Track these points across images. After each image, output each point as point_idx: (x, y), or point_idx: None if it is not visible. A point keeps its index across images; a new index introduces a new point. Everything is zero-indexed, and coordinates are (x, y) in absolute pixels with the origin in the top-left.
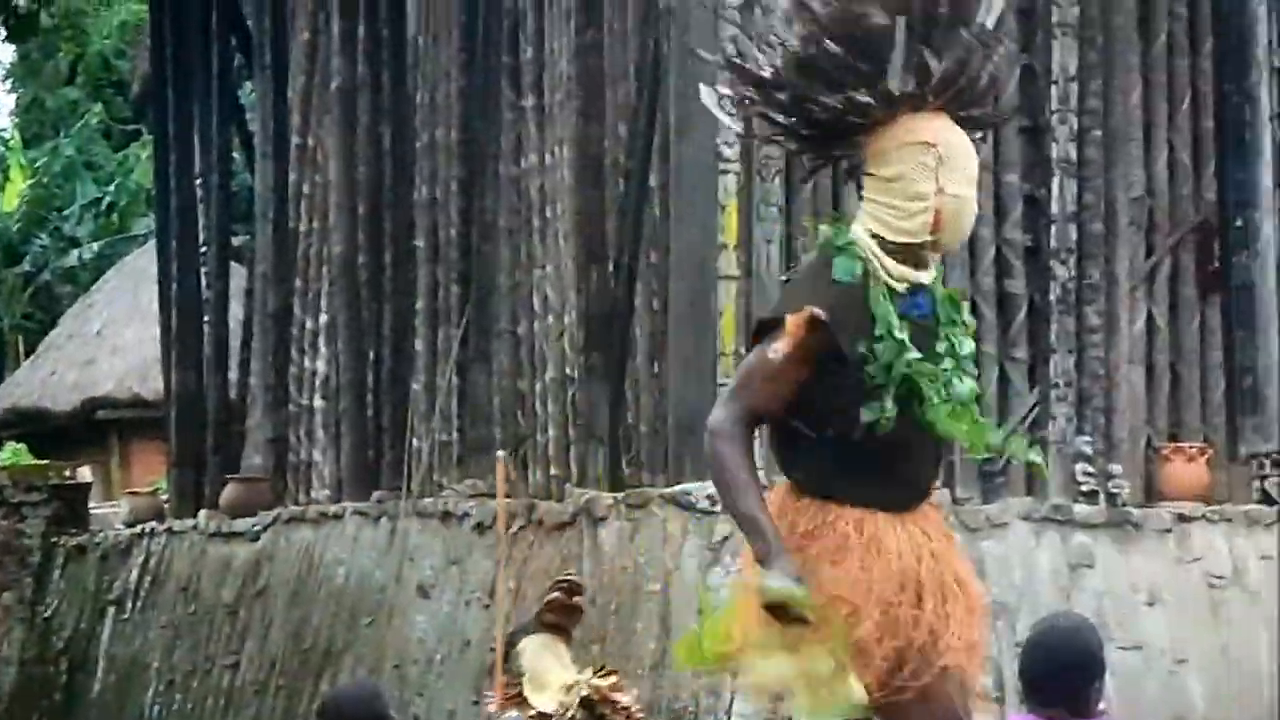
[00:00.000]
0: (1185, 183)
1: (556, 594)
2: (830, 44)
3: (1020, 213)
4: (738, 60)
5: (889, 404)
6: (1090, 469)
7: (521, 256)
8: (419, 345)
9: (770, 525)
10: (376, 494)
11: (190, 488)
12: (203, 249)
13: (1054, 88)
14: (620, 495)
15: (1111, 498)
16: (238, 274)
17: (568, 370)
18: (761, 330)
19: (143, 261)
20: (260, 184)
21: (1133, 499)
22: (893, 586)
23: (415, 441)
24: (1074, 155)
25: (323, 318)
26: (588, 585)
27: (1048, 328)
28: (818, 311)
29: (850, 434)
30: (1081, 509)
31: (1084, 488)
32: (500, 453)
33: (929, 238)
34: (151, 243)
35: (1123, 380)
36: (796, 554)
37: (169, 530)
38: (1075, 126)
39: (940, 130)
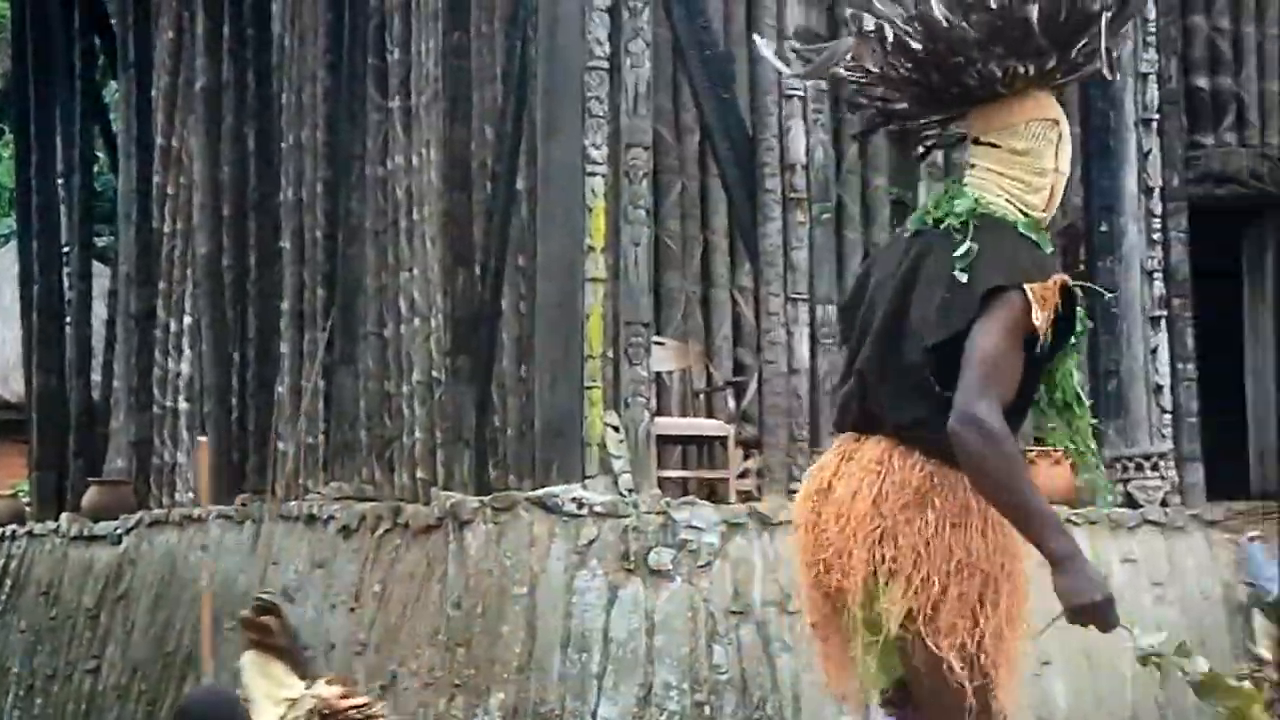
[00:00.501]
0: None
1: (245, 613)
2: (1031, 9)
3: (887, 216)
4: (898, 18)
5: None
6: None
7: (388, 259)
8: (284, 347)
9: (1062, 523)
10: (241, 497)
11: (52, 491)
12: (65, 250)
13: None
14: (486, 498)
15: None
16: (101, 275)
17: (434, 373)
18: (984, 300)
19: (4, 262)
20: (123, 184)
21: None
22: (1018, 558)
23: (280, 444)
24: (940, 159)
25: (187, 319)
26: (453, 589)
27: None
28: (1067, 278)
29: (1021, 399)
30: None
31: None
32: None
33: (1044, 214)
34: (13, 243)
35: None
36: (913, 512)
37: (30, 534)
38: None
39: (1058, 107)
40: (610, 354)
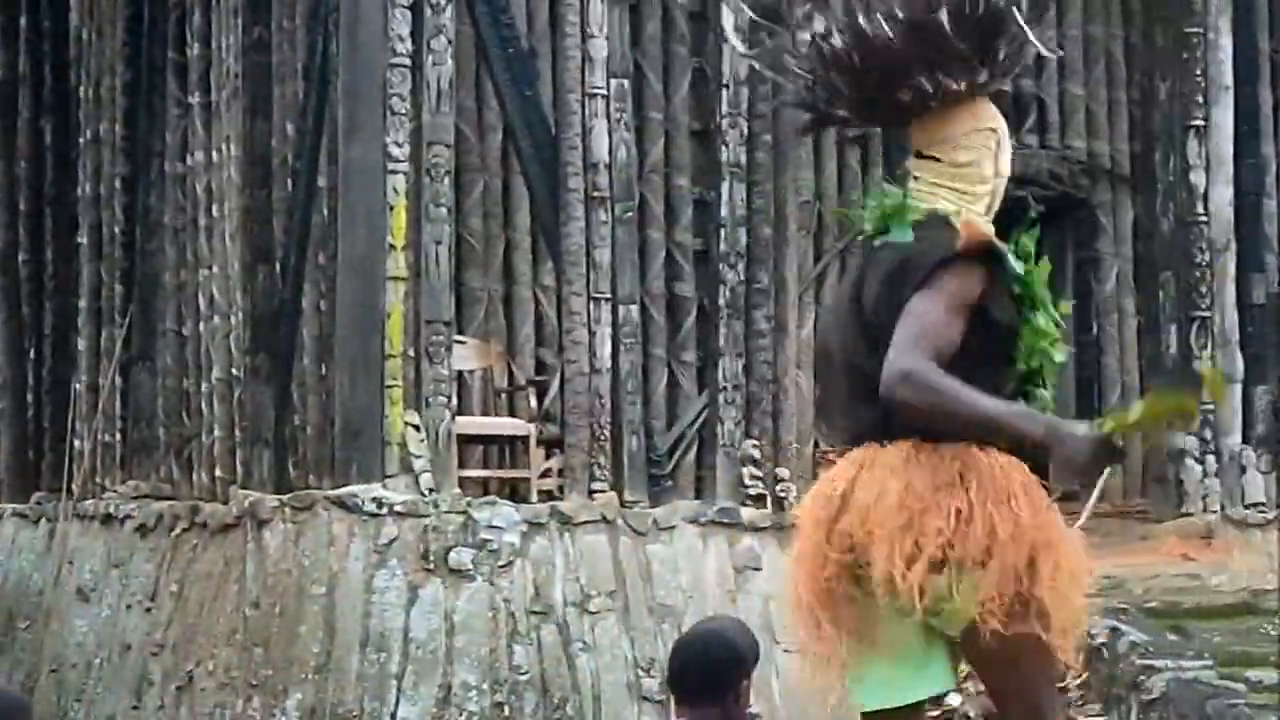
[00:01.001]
0: (854, 187)
1: None
2: (947, 21)
3: (690, 216)
4: (821, 31)
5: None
6: (758, 472)
7: (187, 256)
8: (81, 344)
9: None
10: (36, 495)
11: None
12: None
13: (724, 91)
14: (285, 498)
15: (779, 501)
16: None
17: (234, 371)
18: (926, 276)
19: None
20: None
21: (800, 502)
22: (1061, 532)
23: (77, 442)
24: (744, 159)
25: None
26: (251, 588)
27: (716, 331)
28: (998, 243)
29: (1001, 389)
30: (749, 512)
31: (751, 491)
32: None
33: (986, 217)
34: None
35: (790, 384)
36: (946, 497)
37: None
38: (745, 130)
39: (997, 114)
40: (411, 353)
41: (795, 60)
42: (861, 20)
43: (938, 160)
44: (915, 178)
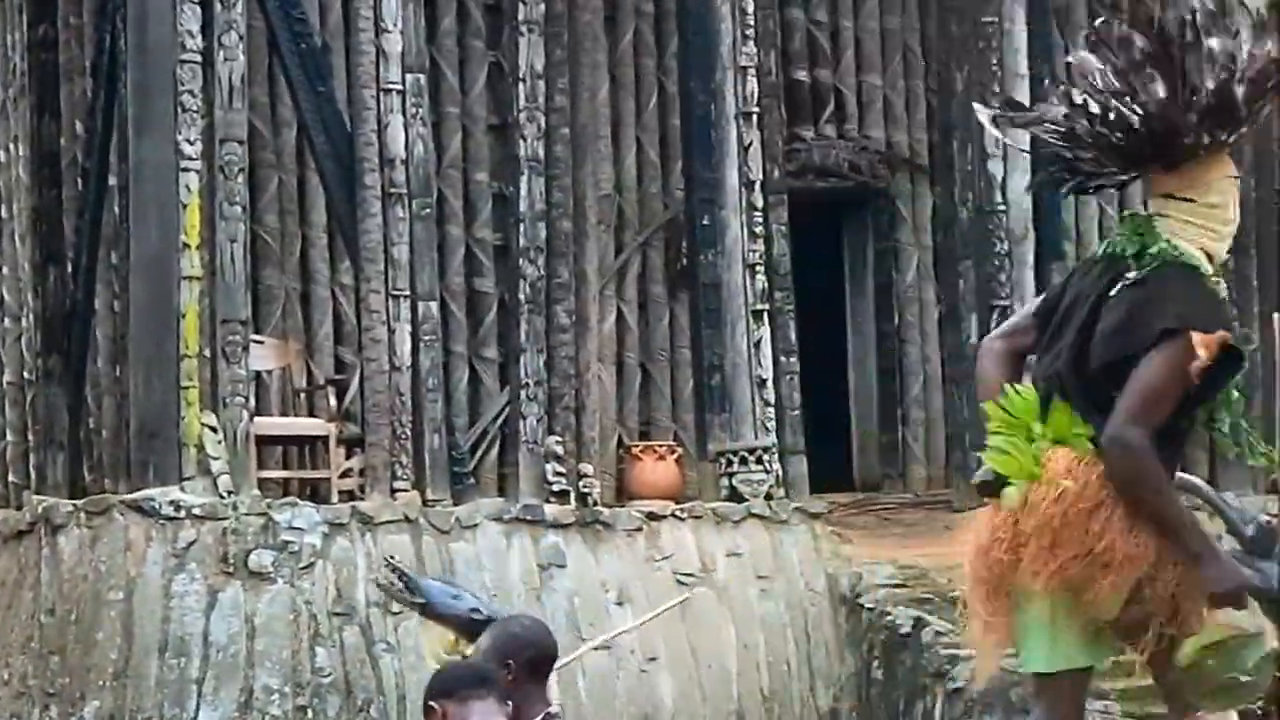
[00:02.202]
0: (653, 181)
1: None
2: (1239, 90)
3: (489, 211)
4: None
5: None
6: (561, 469)
7: None
8: None
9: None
10: None
11: None
12: None
13: (521, 85)
14: (80, 502)
15: (583, 497)
16: None
17: (26, 374)
18: (1160, 336)
19: None
20: None
21: (604, 498)
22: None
23: None
24: (542, 153)
25: None
26: (46, 595)
27: (517, 327)
28: (1229, 335)
29: (1179, 423)
30: (552, 509)
31: (555, 488)
32: None
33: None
34: None
35: (593, 379)
36: (1102, 508)
37: None
38: (543, 124)
39: (1232, 163)
40: (207, 353)
41: (1054, 126)
42: (1160, 86)
43: (1191, 201)
44: (1164, 215)
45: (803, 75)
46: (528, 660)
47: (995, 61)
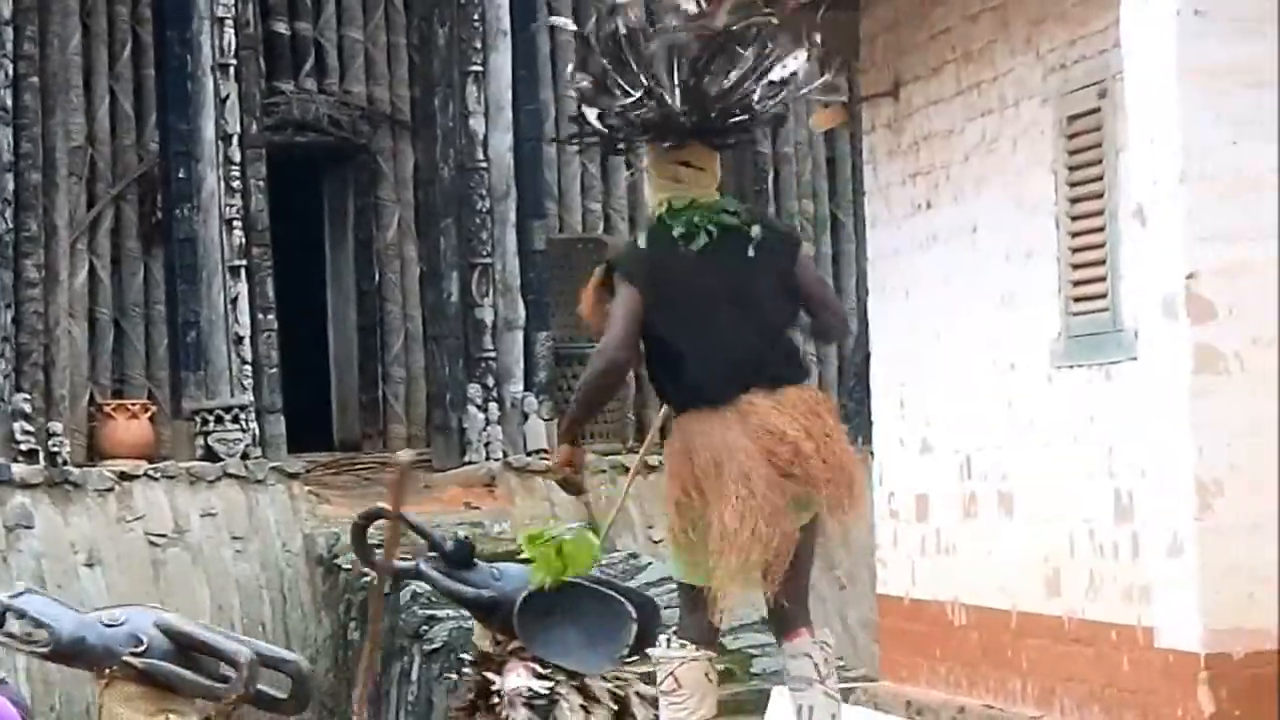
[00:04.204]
0: (128, 132)
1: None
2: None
3: None
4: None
5: None
6: (30, 427)
7: None
8: None
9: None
10: None
11: None
12: None
13: None
14: None
15: (52, 456)
16: None
17: None
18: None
19: None
20: None
21: (74, 457)
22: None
23: None
24: (10, 102)
25: None
26: None
27: None
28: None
29: None
30: (20, 468)
31: (23, 447)
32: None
33: None
34: None
35: (63, 335)
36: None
37: None
38: (11, 72)
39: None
40: None
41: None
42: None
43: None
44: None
45: (282, 28)
46: None
47: (477, 18)
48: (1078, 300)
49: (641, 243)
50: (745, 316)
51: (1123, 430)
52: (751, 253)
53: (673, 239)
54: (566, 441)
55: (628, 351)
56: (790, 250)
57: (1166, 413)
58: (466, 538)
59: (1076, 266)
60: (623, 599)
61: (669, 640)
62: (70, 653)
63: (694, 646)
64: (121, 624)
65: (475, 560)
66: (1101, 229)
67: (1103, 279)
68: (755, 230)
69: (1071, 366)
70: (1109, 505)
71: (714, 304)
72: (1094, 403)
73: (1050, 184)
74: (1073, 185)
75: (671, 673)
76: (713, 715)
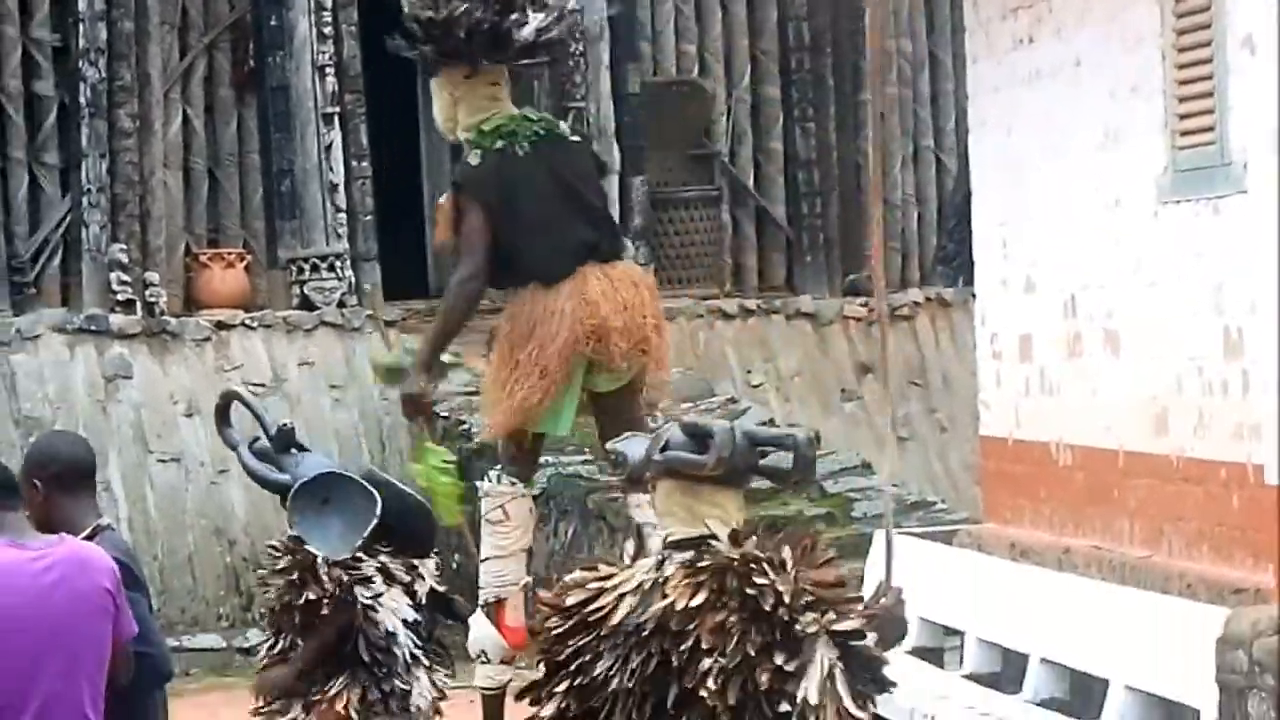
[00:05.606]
0: None
1: None
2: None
3: (47, 10)
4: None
5: None
6: (126, 277)
7: None
8: None
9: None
10: None
11: None
12: None
13: None
14: None
15: (149, 307)
16: None
17: None
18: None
19: None
20: None
21: (171, 307)
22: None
23: None
24: None
25: None
26: None
27: (78, 131)
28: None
29: None
30: (118, 319)
31: (120, 297)
32: None
33: None
34: None
35: (158, 185)
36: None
37: None
38: None
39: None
40: None
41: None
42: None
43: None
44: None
45: None
46: (53, 475)
47: None
48: (1184, 134)
49: (474, 160)
50: (578, 203)
51: (1231, 266)
52: (568, 147)
53: (501, 150)
54: (424, 371)
55: (482, 281)
56: (587, 140)
57: (1277, 246)
58: (287, 424)
59: (1183, 100)
60: (376, 497)
61: (499, 477)
62: None
63: (519, 485)
64: None
65: (293, 447)
66: (1209, 60)
67: (1210, 111)
68: (563, 127)
69: (1178, 201)
70: (1218, 342)
71: (550, 196)
72: (1201, 238)
73: (1156, 15)
74: (1179, 16)
75: (501, 505)
76: (529, 545)
